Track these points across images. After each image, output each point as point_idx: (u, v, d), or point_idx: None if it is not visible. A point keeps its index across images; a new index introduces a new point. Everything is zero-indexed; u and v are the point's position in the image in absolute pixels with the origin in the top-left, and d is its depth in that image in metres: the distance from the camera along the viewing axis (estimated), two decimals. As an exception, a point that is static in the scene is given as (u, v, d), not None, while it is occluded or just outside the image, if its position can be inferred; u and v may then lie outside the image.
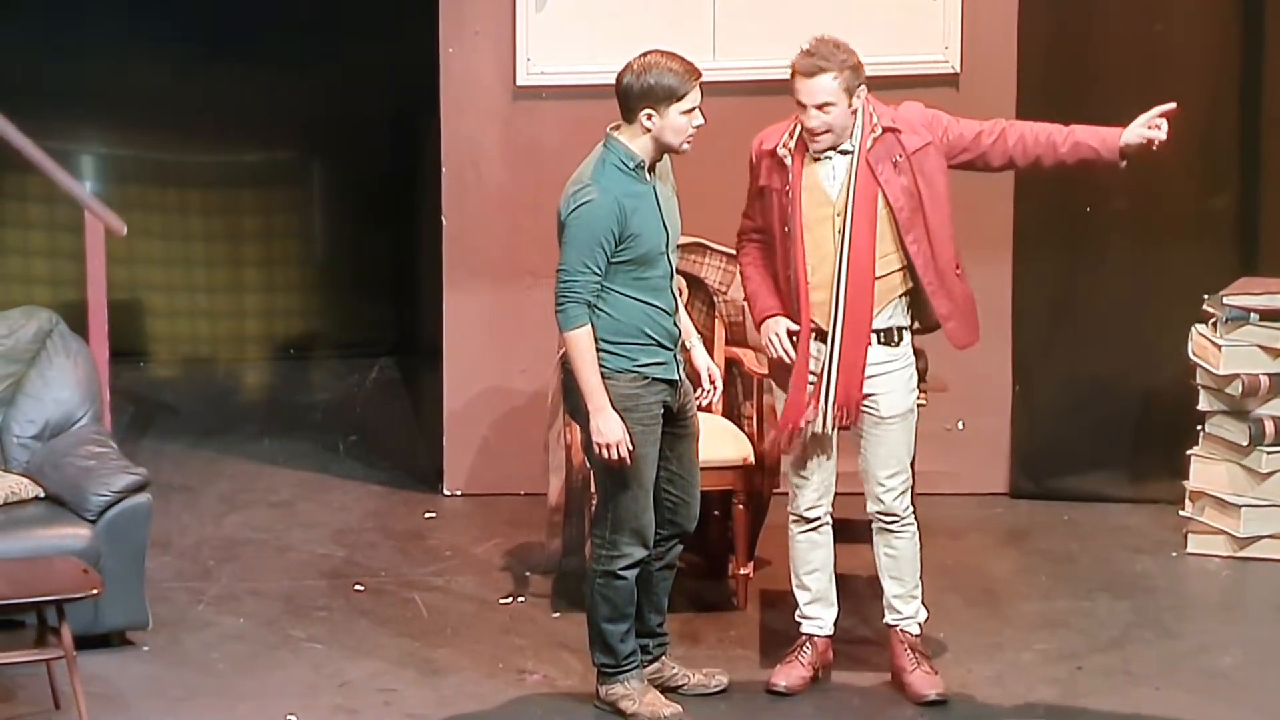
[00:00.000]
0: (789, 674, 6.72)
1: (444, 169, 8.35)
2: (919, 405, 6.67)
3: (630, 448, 6.28)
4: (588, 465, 6.71)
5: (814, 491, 6.64)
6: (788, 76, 6.45)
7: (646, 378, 6.35)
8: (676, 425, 6.49)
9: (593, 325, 6.28)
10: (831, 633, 6.75)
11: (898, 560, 6.64)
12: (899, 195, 6.41)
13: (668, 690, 6.63)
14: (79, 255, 8.07)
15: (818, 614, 6.73)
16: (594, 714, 6.55)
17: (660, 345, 6.37)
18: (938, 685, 6.64)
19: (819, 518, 6.67)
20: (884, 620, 6.73)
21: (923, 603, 6.71)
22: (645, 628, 6.62)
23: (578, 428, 6.53)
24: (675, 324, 6.43)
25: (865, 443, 6.58)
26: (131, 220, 8.15)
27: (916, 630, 6.70)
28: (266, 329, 10.32)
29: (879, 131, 6.40)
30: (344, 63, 9.94)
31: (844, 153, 6.44)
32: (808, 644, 6.74)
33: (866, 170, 6.41)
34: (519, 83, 8.25)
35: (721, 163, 8.05)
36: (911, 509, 6.63)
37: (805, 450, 6.61)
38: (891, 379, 6.53)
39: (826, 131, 6.39)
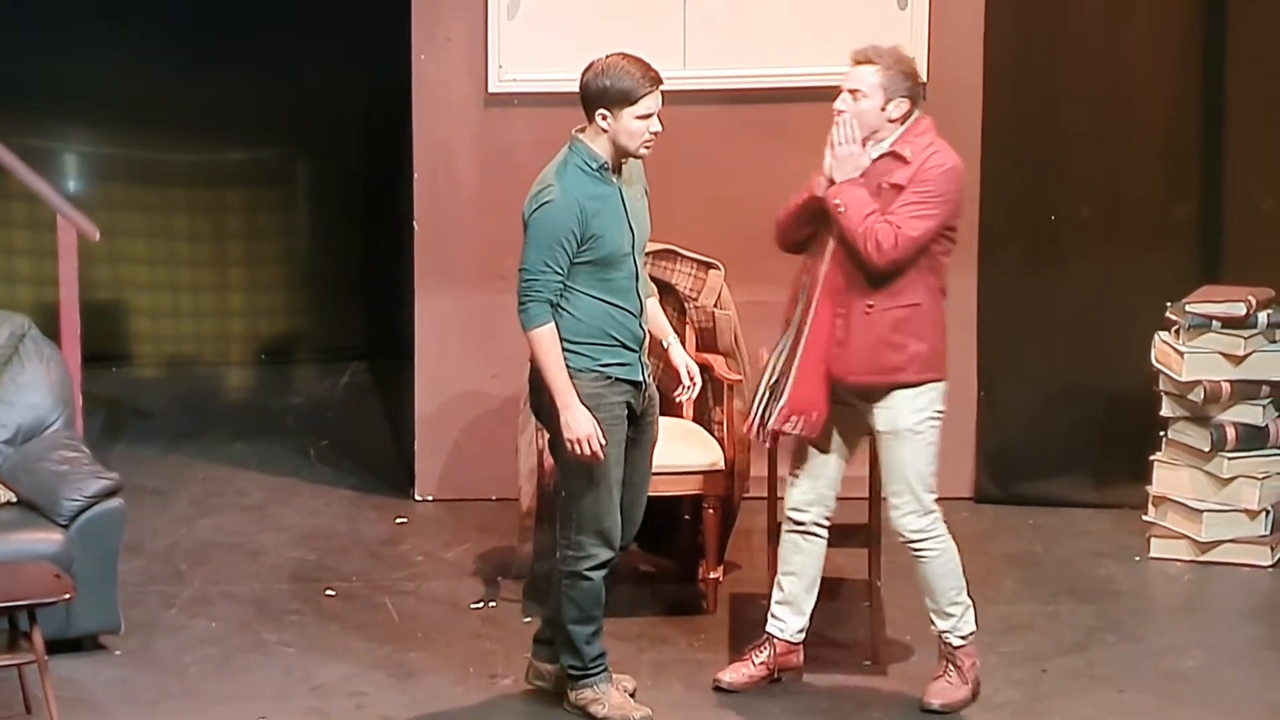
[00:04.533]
0: (734, 671, 6.75)
1: (416, 174, 8.38)
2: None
3: (601, 441, 6.27)
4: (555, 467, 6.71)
5: (801, 494, 6.64)
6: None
7: (609, 377, 6.32)
8: (634, 429, 6.45)
9: (556, 324, 6.28)
10: (794, 640, 6.75)
11: (925, 580, 6.58)
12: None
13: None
14: (63, 254, 8.07)
15: (783, 616, 6.75)
16: (565, 718, 6.58)
17: (624, 346, 6.35)
18: (942, 696, 6.57)
19: (803, 523, 6.66)
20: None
21: (975, 615, 6.60)
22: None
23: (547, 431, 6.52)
24: (641, 326, 6.40)
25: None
26: (114, 219, 8.10)
27: (958, 641, 6.61)
28: (246, 329, 10.29)
29: (886, 147, 6.40)
30: (326, 63, 9.93)
31: None
32: (767, 644, 6.76)
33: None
34: (491, 89, 8.28)
35: (692, 170, 8.12)
36: (925, 533, 6.51)
37: (803, 451, 6.63)
38: (894, 395, 6.49)
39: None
